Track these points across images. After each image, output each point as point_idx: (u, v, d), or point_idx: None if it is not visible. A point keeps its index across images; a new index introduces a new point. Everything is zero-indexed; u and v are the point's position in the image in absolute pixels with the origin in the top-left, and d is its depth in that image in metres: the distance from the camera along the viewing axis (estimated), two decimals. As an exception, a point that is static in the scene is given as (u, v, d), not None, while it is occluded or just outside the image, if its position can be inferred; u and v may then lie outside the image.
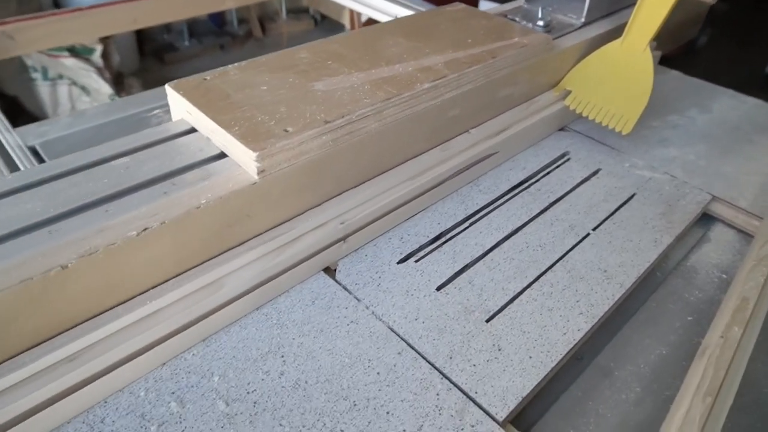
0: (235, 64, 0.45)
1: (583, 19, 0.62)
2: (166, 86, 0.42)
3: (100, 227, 0.32)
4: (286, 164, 0.37)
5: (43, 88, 1.75)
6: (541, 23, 0.60)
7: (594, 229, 0.48)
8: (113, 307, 0.33)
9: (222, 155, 0.39)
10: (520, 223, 0.48)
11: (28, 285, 0.28)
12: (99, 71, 1.76)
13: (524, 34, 0.54)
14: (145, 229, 0.32)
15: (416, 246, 0.45)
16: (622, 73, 0.57)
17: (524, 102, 0.57)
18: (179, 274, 0.35)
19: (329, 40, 0.51)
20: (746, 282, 0.39)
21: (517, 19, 0.62)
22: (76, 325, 0.32)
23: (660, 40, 0.70)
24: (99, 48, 1.76)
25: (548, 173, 0.55)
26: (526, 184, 0.53)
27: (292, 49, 0.48)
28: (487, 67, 0.49)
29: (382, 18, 0.98)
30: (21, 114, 1.78)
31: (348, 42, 0.50)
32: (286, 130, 0.37)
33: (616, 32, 0.61)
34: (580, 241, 0.47)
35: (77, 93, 1.78)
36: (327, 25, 2.77)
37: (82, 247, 0.30)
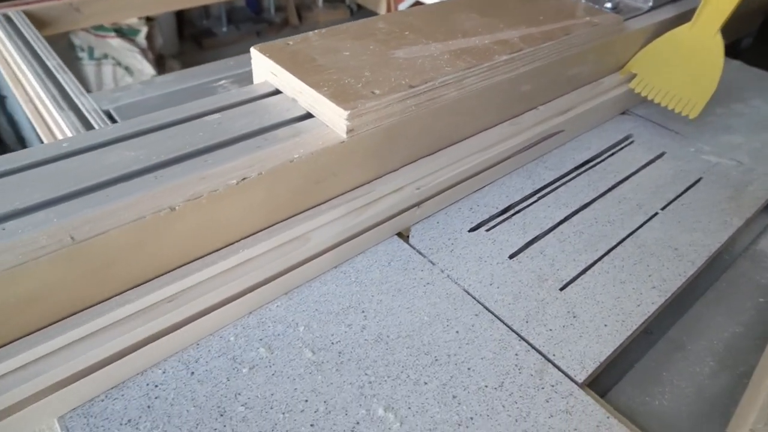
0: (315, 30, 0.46)
1: (650, 3, 0.62)
2: (252, 49, 0.43)
3: (202, 175, 0.33)
4: (372, 125, 0.38)
5: (88, 68, 1.80)
6: (609, 5, 0.59)
7: (662, 209, 0.48)
8: (209, 254, 0.34)
9: (308, 116, 0.40)
10: (587, 200, 0.48)
11: (140, 223, 0.30)
12: (143, 52, 1.80)
13: (595, 14, 0.54)
14: (244, 178, 0.33)
15: (486, 216, 0.45)
16: (690, 57, 0.57)
17: (590, 83, 0.57)
18: (269, 227, 0.36)
19: (403, 12, 0.51)
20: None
21: (584, 0, 0.62)
22: (175, 269, 0.33)
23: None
24: (144, 29, 1.79)
25: (612, 154, 0.55)
26: (591, 164, 0.53)
27: (369, 20, 0.49)
28: (560, 44, 0.49)
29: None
30: (67, 91, 1.83)
31: (422, 15, 0.51)
32: (373, 92, 0.38)
33: (684, 18, 0.60)
34: (649, 220, 0.47)
35: (121, 73, 1.82)
36: (363, 14, 2.78)
37: (188, 191, 0.32)
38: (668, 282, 0.41)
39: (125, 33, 1.77)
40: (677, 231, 0.46)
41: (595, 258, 0.42)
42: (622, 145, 0.56)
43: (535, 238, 0.44)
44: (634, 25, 0.59)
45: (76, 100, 0.58)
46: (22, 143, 1.69)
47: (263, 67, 0.43)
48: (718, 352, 0.39)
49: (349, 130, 0.37)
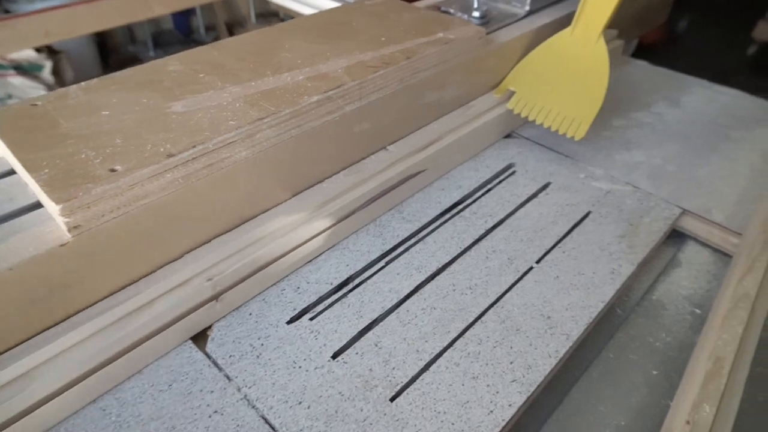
0: (84, 83, 0.37)
1: (527, 8, 0.54)
2: (-19, 117, 0.33)
3: None
4: (113, 214, 0.28)
5: (-8, 109, 1.66)
6: (476, 14, 0.51)
7: (538, 262, 0.39)
8: None
9: (39, 205, 0.30)
10: (447, 259, 0.39)
11: None
12: (50, 89, 1.66)
13: (450, 28, 0.46)
14: None
15: (315, 298, 0.36)
16: (572, 68, 0.49)
17: (458, 107, 0.49)
18: (-35, 373, 0.27)
19: (212, 46, 0.42)
20: (720, 333, 0.31)
21: (452, 10, 0.53)
22: None
23: (623, 26, 0.62)
24: (48, 64, 1.67)
25: (488, 191, 0.46)
26: (460, 207, 0.44)
27: (163, 60, 0.40)
28: (400, 70, 0.40)
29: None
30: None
31: (233, 48, 0.41)
32: (112, 170, 0.28)
33: (566, 21, 0.52)
34: (520, 279, 0.38)
35: (30, 112, 1.69)
36: (298, 27, 2.68)
37: None
38: (533, 370, 0.32)
39: (26, 69, 1.64)
40: (552, 291, 0.37)
41: (444, 345, 0.34)
42: (501, 177, 0.48)
43: (373, 322, 0.35)
44: (505, 35, 0.50)
45: None
46: None
47: (-3, 139, 0.33)
48: (597, 460, 0.30)
49: (74, 227, 0.27)
